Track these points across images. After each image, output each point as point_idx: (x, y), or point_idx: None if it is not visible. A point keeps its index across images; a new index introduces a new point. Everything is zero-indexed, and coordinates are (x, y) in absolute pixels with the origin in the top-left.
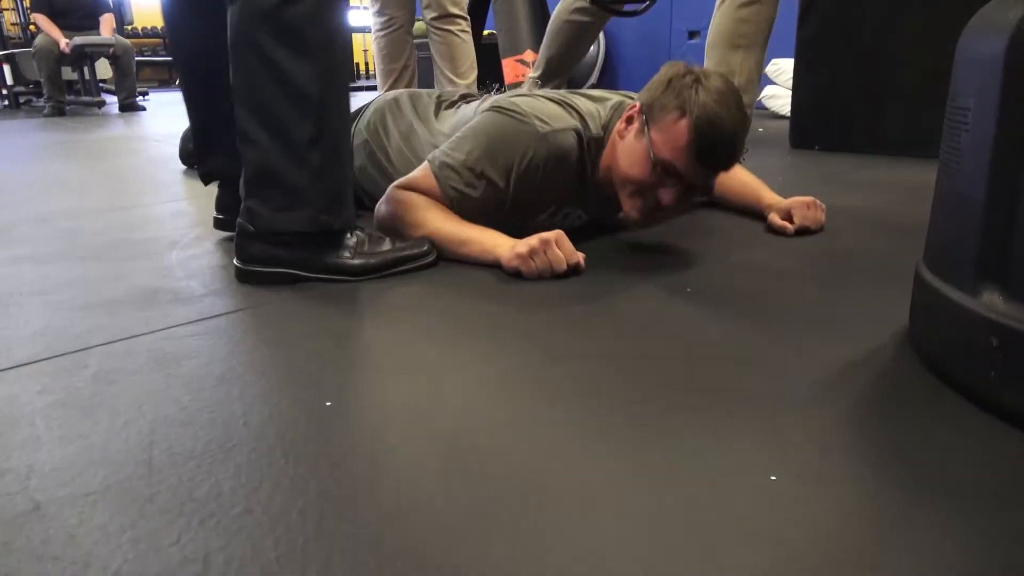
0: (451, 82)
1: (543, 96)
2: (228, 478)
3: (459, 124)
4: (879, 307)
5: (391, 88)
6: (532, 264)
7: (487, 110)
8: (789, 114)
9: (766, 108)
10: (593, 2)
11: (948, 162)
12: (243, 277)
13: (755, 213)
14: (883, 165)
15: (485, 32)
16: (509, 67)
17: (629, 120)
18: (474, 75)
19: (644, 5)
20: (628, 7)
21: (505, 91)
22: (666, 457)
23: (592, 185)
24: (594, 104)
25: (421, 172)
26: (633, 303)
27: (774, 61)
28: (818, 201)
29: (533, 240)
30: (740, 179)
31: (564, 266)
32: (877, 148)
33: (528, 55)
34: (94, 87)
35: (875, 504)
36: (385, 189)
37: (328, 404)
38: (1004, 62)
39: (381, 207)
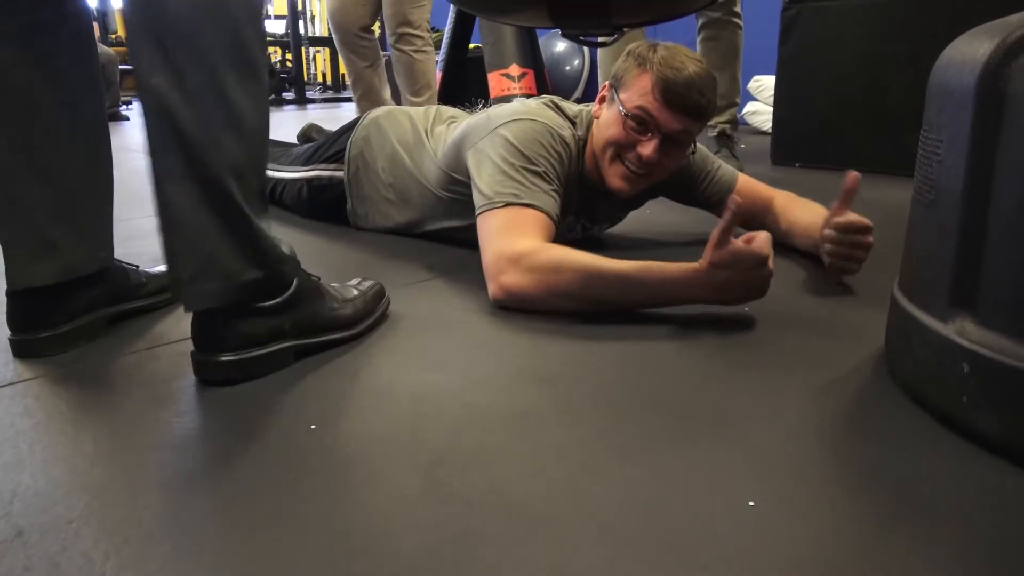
0: (409, 101)
1: (533, 102)
2: (213, 505)
3: (467, 131)
4: (857, 328)
5: (361, 87)
6: (758, 295)
7: (494, 130)
8: (770, 130)
9: (748, 124)
10: (565, 35)
11: (922, 191)
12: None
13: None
14: (862, 183)
15: (471, 46)
16: (495, 81)
17: (601, 100)
18: (429, 94)
19: (614, 38)
20: (600, 39)
21: (490, 105)
22: (648, 482)
23: (585, 184)
24: (577, 107)
25: (495, 220)
26: (619, 324)
27: (756, 78)
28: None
29: (739, 263)
30: (804, 210)
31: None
32: (857, 166)
33: (514, 69)
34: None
35: (850, 528)
36: (375, 199)
37: (313, 427)
38: (974, 97)
39: (509, 284)
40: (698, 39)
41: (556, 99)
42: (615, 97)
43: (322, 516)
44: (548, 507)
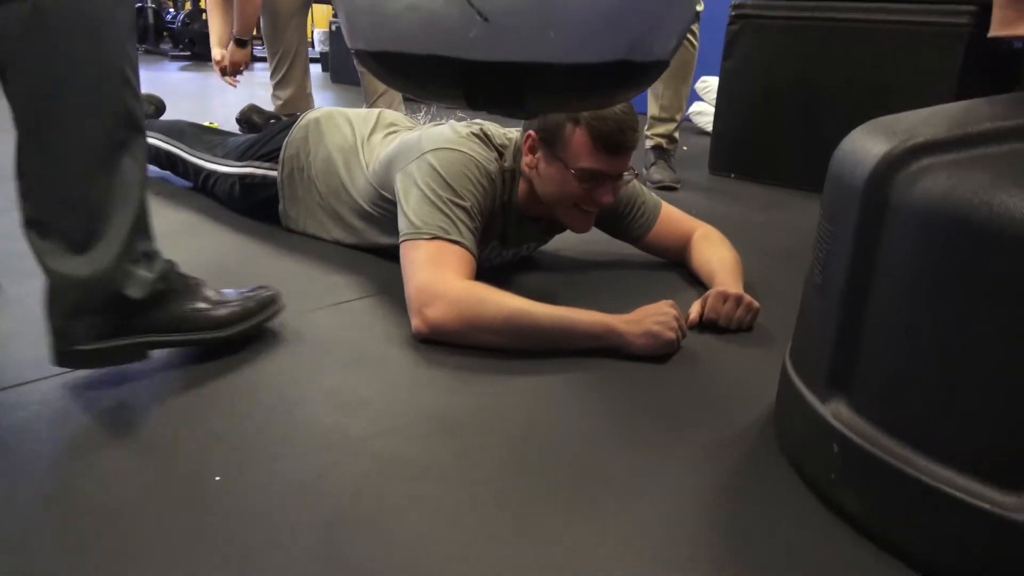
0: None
1: (463, 129)
2: (108, 573)
3: (397, 151)
4: (755, 381)
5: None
6: (672, 335)
7: (422, 155)
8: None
9: (693, 123)
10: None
11: (814, 272)
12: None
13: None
14: (791, 203)
15: None
16: None
17: (531, 150)
18: (387, 97)
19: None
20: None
21: (429, 115)
22: (535, 556)
23: (513, 212)
24: (503, 134)
25: (421, 252)
26: (536, 367)
27: (703, 78)
28: (746, 297)
29: (649, 311)
30: (708, 257)
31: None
32: (790, 182)
33: None
34: None
35: None
36: (309, 204)
37: (217, 479)
38: (860, 199)
39: (432, 318)
40: None
41: (485, 127)
42: (553, 155)
43: None
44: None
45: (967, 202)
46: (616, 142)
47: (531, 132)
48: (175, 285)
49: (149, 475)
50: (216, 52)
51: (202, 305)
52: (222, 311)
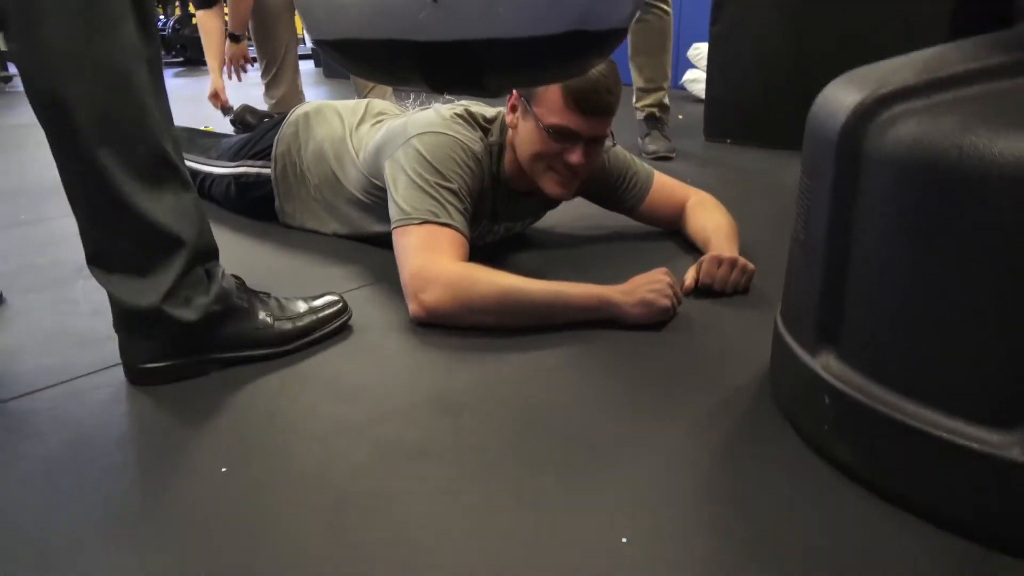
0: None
1: (447, 112)
2: (122, 557)
3: (385, 139)
4: (750, 343)
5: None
6: (666, 302)
7: (408, 140)
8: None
9: (687, 90)
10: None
11: (797, 228)
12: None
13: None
14: (788, 165)
15: None
16: None
17: (513, 109)
18: (380, 89)
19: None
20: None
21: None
22: (534, 523)
23: (502, 187)
24: (492, 111)
25: (413, 238)
26: (532, 344)
27: (695, 45)
28: (740, 260)
29: (642, 280)
30: (703, 223)
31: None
32: (785, 144)
33: None
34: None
35: (709, 565)
36: (303, 198)
37: (224, 470)
38: (836, 148)
39: (428, 302)
40: (632, 28)
41: (470, 106)
42: (528, 109)
43: (224, 571)
44: (440, 555)
45: (938, 146)
46: (589, 101)
47: (515, 90)
48: (235, 304)
49: (154, 470)
50: (213, 80)
51: (264, 320)
52: (283, 327)
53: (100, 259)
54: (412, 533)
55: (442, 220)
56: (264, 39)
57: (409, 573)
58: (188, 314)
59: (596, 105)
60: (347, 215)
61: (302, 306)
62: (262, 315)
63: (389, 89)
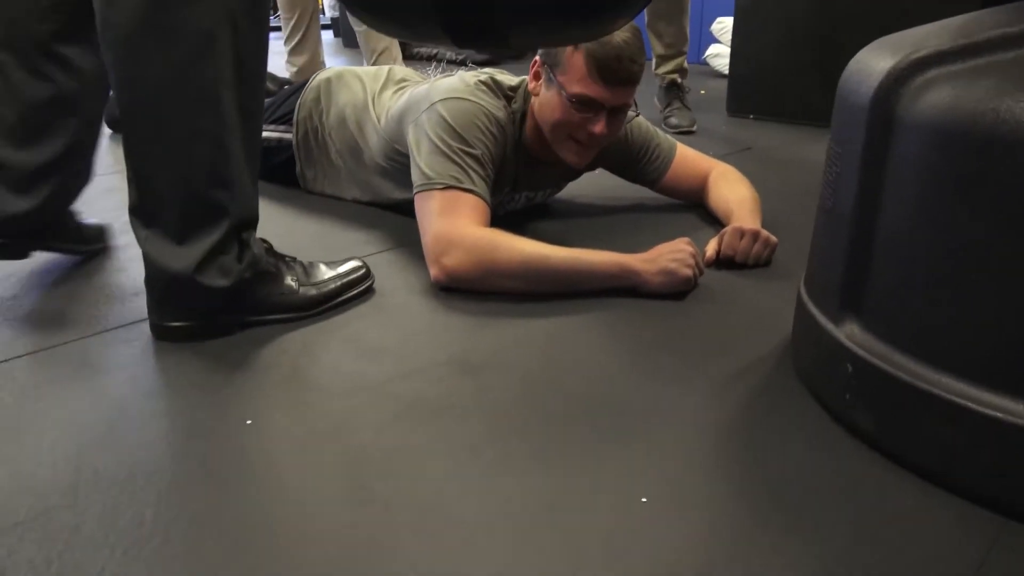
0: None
1: (471, 79)
2: (150, 505)
3: (408, 104)
4: (772, 314)
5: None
6: (688, 271)
7: (431, 106)
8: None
9: (710, 66)
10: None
11: (824, 196)
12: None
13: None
14: (812, 140)
15: None
16: None
17: (536, 76)
18: (387, 55)
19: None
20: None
21: (441, 68)
22: (552, 481)
23: (523, 155)
24: (515, 79)
25: (435, 202)
26: (553, 308)
27: (719, 19)
28: (763, 232)
29: (665, 249)
30: (726, 196)
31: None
32: (810, 119)
33: None
34: None
35: (727, 525)
36: (324, 164)
37: (248, 422)
38: (867, 116)
39: (450, 266)
40: None
41: (495, 74)
42: (552, 77)
43: (248, 519)
44: (459, 508)
45: (973, 110)
46: (613, 70)
47: (537, 57)
48: (264, 268)
49: (180, 421)
50: None
51: (289, 285)
52: (308, 293)
53: (141, 211)
54: (433, 488)
55: (464, 186)
56: (288, 6)
57: (429, 526)
58: (220, 281)
59: (620, 74)
60: (368, 181)
61: (326, 271)
62: (288, 280)
63: (398, 55)
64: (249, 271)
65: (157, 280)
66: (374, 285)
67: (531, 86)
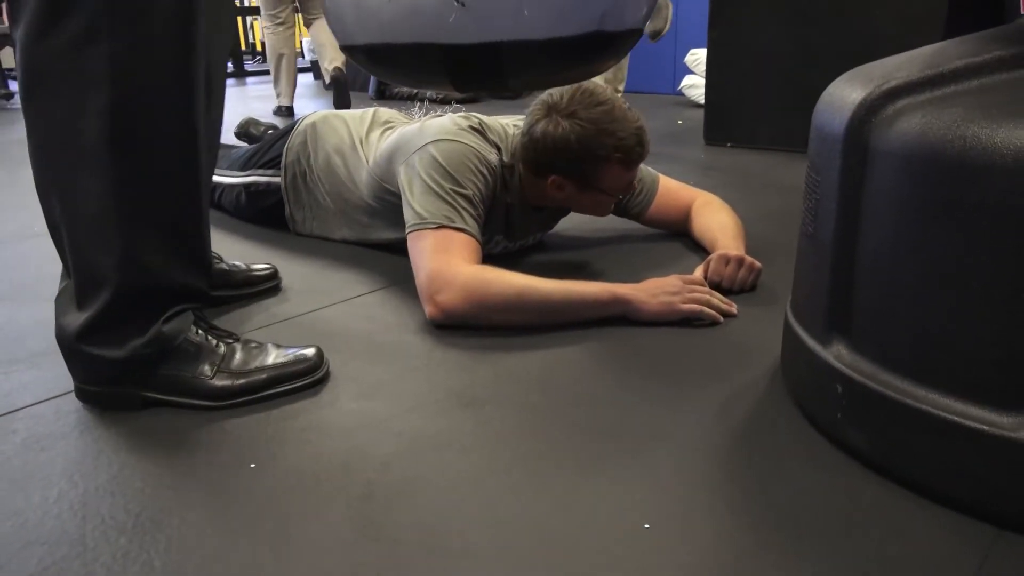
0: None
1: (461, 121)
2: (159, 553)
3: (398, 144)
4: (761, 338)
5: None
6: (685, 306)
7: (423, 146)
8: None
9: (685, 96)
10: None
11: (805, 222)
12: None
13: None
14: (789, 165)
15: None
16: None
17: (559, 188)
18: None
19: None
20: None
21: (423, 110)
22: (556, 510)
23: (515, 208)
24: (499, 128)
25: (428, 241)
26: (548, 341)
27: (692, 51)
28: (747, 258)
29: (662, 282)
30: (709, 224)
31: (717, 306)
32: (786, 145)
33: None
34: (0, 77)
35: (730, 548)
36: (313, 206)
37: (252, 466)
38: (842, 143)
39: (444, 303)
40: None
41: (481, 119)
42: (586, 187)
43: (257, 561)
44: (466, 541)
45: (942, 137)
46: (641, 154)
47: (553, 177)
48: (179, 346)
49: (182, 468)
50: None
51: (202, 370)
52: (219, 383)
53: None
54: (438, 521)
55: (457, 225)
56: (269, 50)
57: (436, 560)
58: (109, 351)
59: (645, 151)
60: (357, 221)
61: (265, 359)
62: (204, 365)
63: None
64: (152, 347)
65: (60, 340)
66: (370, 325)
67: (554, 195)
